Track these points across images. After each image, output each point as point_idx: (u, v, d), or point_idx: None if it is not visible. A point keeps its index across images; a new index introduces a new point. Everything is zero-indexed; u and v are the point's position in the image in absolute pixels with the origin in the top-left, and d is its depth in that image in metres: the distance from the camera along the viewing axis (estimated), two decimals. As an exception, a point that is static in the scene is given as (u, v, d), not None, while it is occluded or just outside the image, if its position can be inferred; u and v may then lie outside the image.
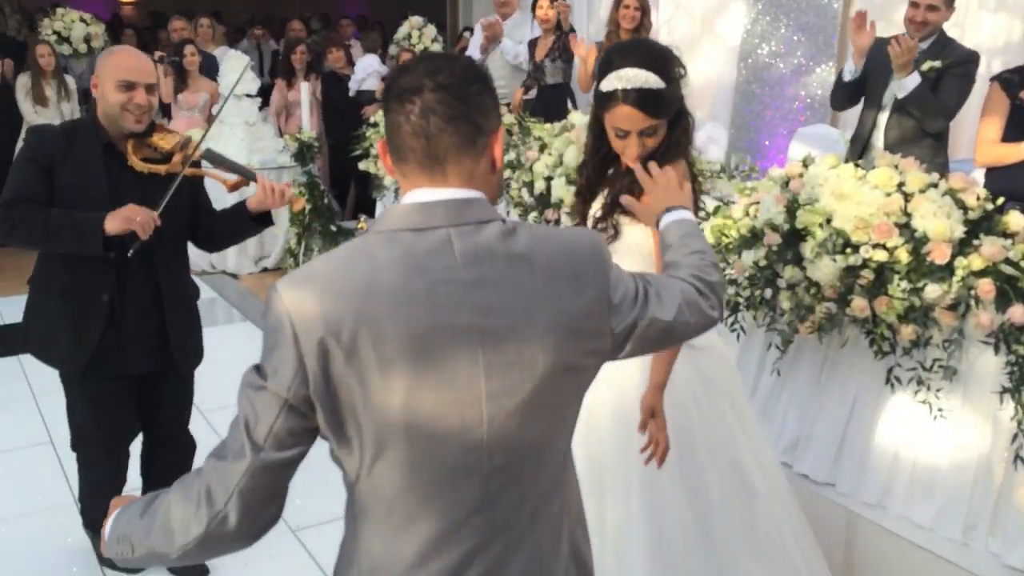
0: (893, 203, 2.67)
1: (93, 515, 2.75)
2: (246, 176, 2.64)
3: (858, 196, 2.72)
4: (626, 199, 1.74)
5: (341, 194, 7.11)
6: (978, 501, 2.59)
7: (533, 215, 4.16)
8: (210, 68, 6.66)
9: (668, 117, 1.96)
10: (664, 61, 1.93)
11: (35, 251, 2.56)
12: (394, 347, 1.09)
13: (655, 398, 2.00)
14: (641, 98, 1.89)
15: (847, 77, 3.78)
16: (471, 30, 7.64)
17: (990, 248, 2.51)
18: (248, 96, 6.18)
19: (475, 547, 1.16)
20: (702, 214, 3.44)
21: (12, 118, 6.59)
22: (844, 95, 3.87)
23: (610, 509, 2.10)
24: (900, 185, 2.72)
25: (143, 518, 1.18)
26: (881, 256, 2.64)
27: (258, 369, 1.14)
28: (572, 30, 5.69)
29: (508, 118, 4.93)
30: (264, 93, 6.87)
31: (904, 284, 2.60)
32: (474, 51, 6.36)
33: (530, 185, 4.15)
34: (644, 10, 5.19)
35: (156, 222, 2.36)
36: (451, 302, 1.11)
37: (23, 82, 6.72)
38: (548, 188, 3.97)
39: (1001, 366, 2.52)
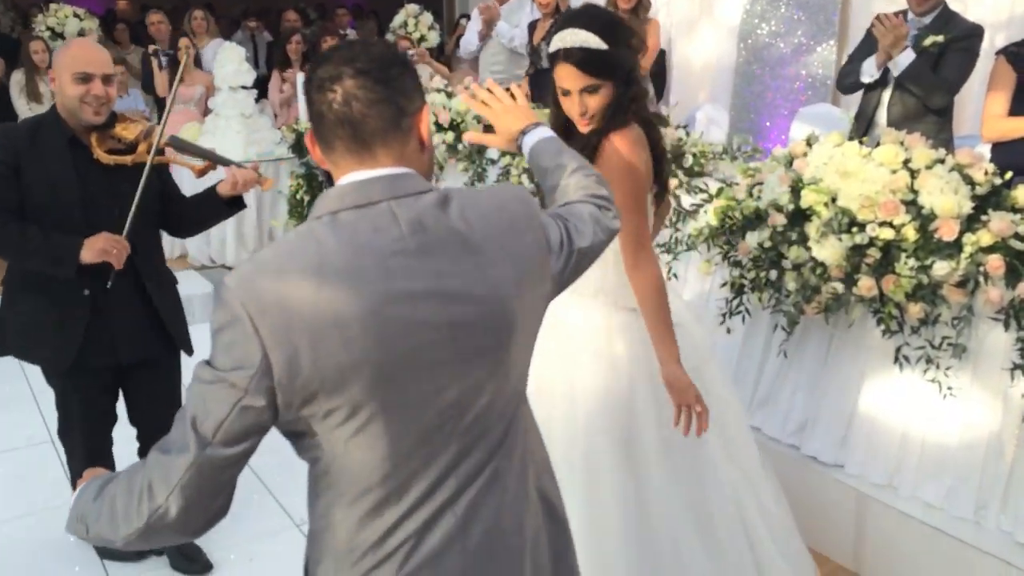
0: (899, 180, 2.63)
1: None
2: (214, 160, 2.64)
3: (863, 174, 2.68)
4: (470, 135, 1.86)
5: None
6: (989, 479, 2.56)
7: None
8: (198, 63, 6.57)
9: (610, 79, 2.00)
10: (609, 25, 2.00)
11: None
12: (357, 324, 1.10)
13: (667, 374, 2.03)
14: (580, 56, 1.97)
15: (865, 79, 3.66)
16: (468, 17, 7.59)
17: (999, 223, 2.47)
18: (244, 88, 6.12)
19: (445, 502, 1.19)
20: (703, 196, 3.44)
21: (7, 116, 6.54)
22: (854, 85, 3.78)
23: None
24: (906, 162, 2.69)
25: (95, 502, 1.19)
26: (888, 234, 2.60)
27: (211, 364, 1.12)
28: None
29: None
30: (260, 85, 6.81)
31: (912, 262, 2.56)
32: (472, 37, 6.31)
33: (530, 171, 4.10)
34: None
35: (127, 251, 2.39)
36: (405, 271, 1.13)
37: (17, 79, 6.68)
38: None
39: (1011, 342, 2.48)
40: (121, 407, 2.75)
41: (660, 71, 5.87)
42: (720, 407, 2.25)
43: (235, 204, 2.62)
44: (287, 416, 1.13)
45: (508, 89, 1.83)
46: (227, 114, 6.12)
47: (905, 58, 3.43)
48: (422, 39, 7.65)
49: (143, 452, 2.76)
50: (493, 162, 4.74)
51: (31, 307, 2.51)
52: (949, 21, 3.52)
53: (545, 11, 5.55)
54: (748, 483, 2.28)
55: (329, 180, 1.25)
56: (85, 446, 2.68)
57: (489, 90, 1.79)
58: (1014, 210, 2.55)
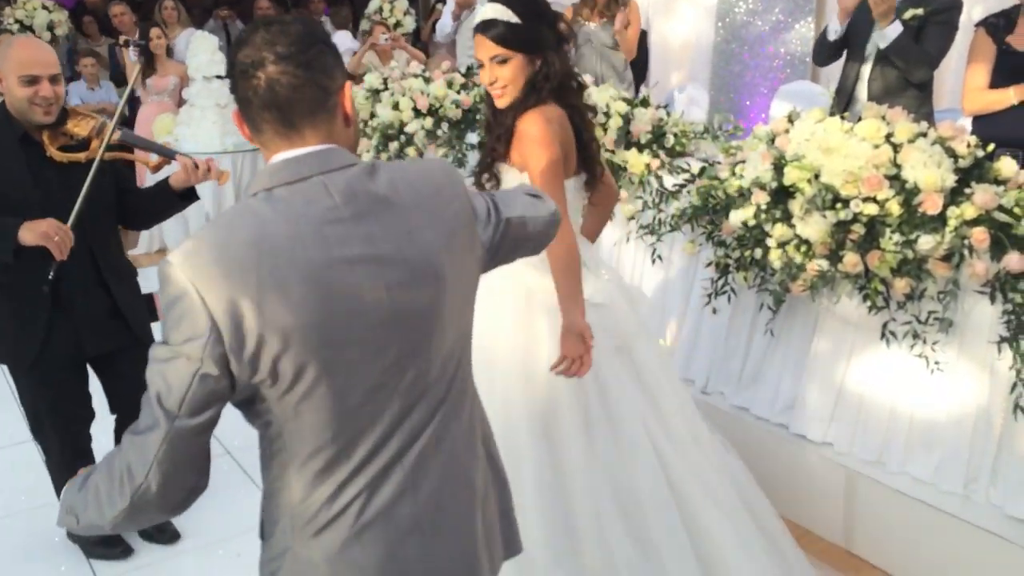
0: (882, 155, 2.61)
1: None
2: (166, 155, 2.66)
3: (846, 149, 2.66)
4: None
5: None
6: (978, 453, 2.56)
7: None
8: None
9: (519, 51, 2.09)
10: (526, 2, 2.11)
11: None
12: (299, 290, 1.15)
13: (568, 322, 2.08)
14: (491, 28, 2.09)
15: (831, 37, 3.71)
16: (443, 1, 7.51)
17: (983, 196, 2.46)
18: (218, 77, 6.02)
19: (393, 458, 1.25)
20: (686, 176, 3.42)
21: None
22: (828, 52, 3.80)
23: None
24: (888, 136, 2.67)
25: (80, 492, 1.26)
26: (872, 209, 2.59)
27: (165, 342, 1.17)
28: None
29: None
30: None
31: (896, 237, 2.55)
32: (447, 20, 6.24)
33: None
34: (617, -29, 5.09)
35: (71, 242, 2.36)
36: (341, 238, 1.19)
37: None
38: (529, 157, 3.90)
39: (998, 316, 2.48)
40: (100, 402, 2.72)
41: (640, 52, 5.83)
42: (654, 387, 2.32)
43: (188, 196, 2.64)
44: (242, 383, 1.17)
45: None
46: (202, 104, 6.03)
47: (893, 30, 3.41)
48: (398, 24, 7.55)
49: (118, 432, 2.74)
50: (473, 147, 4.70)
51: None
52: (928, -6, 3.50)
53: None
54: (689, 465, 2.27)
55: None
56: (61, 443, 2.66)
57: None
58: (997, 182, 2.54)
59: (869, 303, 2.67)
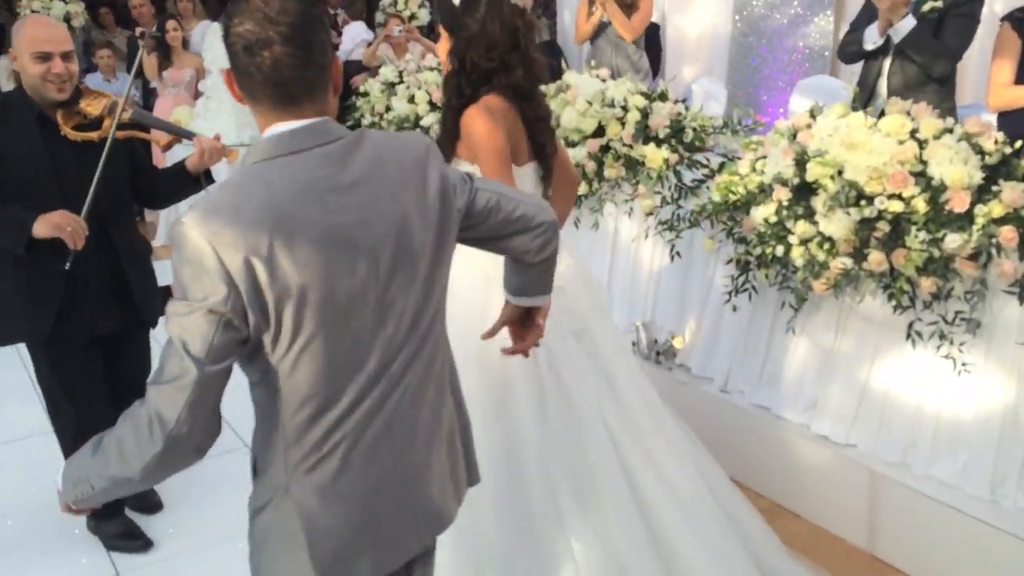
0: (907, 151, 2.57)
1: None
2: (179, 134, 2.70)
3: (870, 145, 2.62)
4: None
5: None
6: (1005, 456, 2.52)
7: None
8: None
9: (447, 31, 2.22)
10: None
11: None
12: (305, 250, 1.26)
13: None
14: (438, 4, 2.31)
15: (868, 46, 3.56)
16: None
17: (1011, 193, 2.41)
18: (233, 70, 6.01)
19: (375, 404, 1.38)
20: (705, 171, 3.38)
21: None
22: (856, 54, 3.70)
23: None
24: (913, 132, 2.62)
25: (96, 456, 1.33)
26: (897, 207, 2.54)
27: (184, 300, 1.25)
28: None
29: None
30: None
31: (922, 235, 2.51)
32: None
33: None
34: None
35: (85, 232, 2.40)
36: (339, 205, 1.30)
37: (3, 64, 6.57)
38: (546, 151, 3.86)
39: (1026, 316, 2.43)
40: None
41: (654, 45, 5.78)
42: (610, 373, 2.34)
43: (204, 178, 2.67)
44: (253, 335, 1.28)
45: None
46: (218, 96, 6.02)
47: (906, 25, 3.35)
48: (412, 17, 7.53)
49: (112, 408, 2.76)
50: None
51: (9, 284, 2.55)
52: (947, -15, 3.43)
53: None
54: (644, 450, 2.29)
55: None
56: (78, 417, 2.68)
57: None
58: (1026, 180, 2.49)
59: (894, 303, 2.62)
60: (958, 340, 2.54)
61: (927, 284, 2.54)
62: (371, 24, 7.51)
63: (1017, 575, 2.38)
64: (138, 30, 6.65)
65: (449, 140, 2.23)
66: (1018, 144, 2.55)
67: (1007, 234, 2.39)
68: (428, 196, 1.40)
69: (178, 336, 1.25)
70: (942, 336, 2.56)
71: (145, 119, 2.64)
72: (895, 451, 2.72)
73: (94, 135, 2.49)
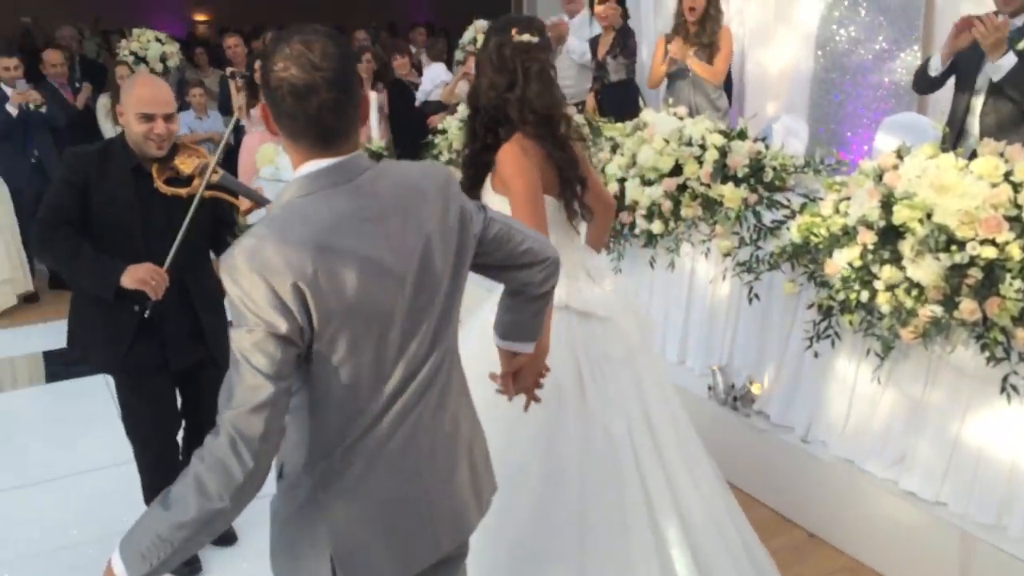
0: (1001, 194, 2.46)
1: None
2: (259, 201, 2.84)
3: (961, 188, 2.52)
4: None
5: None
6: (1110, 520, 2.35)
7: (606, 218, 4.01)
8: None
9: (478, 75, 2.34)
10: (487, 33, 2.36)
11: None
12: (343, 276, 1.37)
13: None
14: None
15: (932, 73, 3.62)
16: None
17: (1116, 241, 2.28)
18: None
19: (399, 414, 1.47)
20: (785, 212, 3.29)
21: (94, 138, 6.75)
22: (927, 84, 3.69)
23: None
24: (1007, 175, 2.51)
25: (171, 508, 1.33)
26: (990, 253, 2.43)
27: (244, 327, 1.35)
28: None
29: (578, 118, 4.79)
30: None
31: (1017, 283, 2.39)
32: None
33: (602, 187, 4.00)
34: (710, -1, 5.02)
35: (166, 283, 2.60)
36: (371, 234, 1.41)
37: (103, 103, 6.88)
38: (622, 190, 3.83)
39: None
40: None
41: (726, 80, 5.71)
42: (649, 407, 2.38)
43: None
44: (304, 351, 1.39)
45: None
46: (300, 134, 6.18)
47: (1007, 61, 3.23)
48: (491, 55, 7.60)
49: (186, 443, 2.98)
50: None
51: (90, 315, 2.76)
52: (1042, 23, 3.31)
53: (605, 24, 5.48)
54: (672, 487, 2.32)
55: None
56: (151, 441, 2.88)
57: None
58: None
59: (987, 354, 2.50)
60: (1058, 395, 2.40)
61: (1023, 335, 2.41)
62: (450, 66, 7.63)
63: None
64: (228, 70, 6.90)
65: (470, 183, 2.32)
66: (1124, 188, 2.41)
67: (1112, 284, 2.26)
68: (449, 222, 1.51)
69: (245, 359, 1.34)
70: (1040, 390, 2.42)
71: (231, 184, 2.78)
72: (989, 511, 2.57)
73: (183, 191, 2.66)
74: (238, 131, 6.96)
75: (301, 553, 1.48)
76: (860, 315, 2.82)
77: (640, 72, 5.90)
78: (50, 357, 5.08)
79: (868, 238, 2.68)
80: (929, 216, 2.55)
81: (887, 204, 2.66)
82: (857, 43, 5.55)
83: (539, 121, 2.26)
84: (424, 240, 1.47)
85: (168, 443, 2.91)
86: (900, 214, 2.59)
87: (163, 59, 7.97)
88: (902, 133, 4.17)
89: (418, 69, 7.39)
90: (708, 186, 3.51)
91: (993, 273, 2.45)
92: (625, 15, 5.52)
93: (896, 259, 2.63)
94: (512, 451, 2.19)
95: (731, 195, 3.42)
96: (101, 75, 7.41)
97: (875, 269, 2.68)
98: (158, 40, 8.00)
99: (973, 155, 2.65)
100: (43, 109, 5.93)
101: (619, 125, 4.12)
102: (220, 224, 2.86)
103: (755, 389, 3.34)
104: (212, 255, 2.94)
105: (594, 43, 5.65)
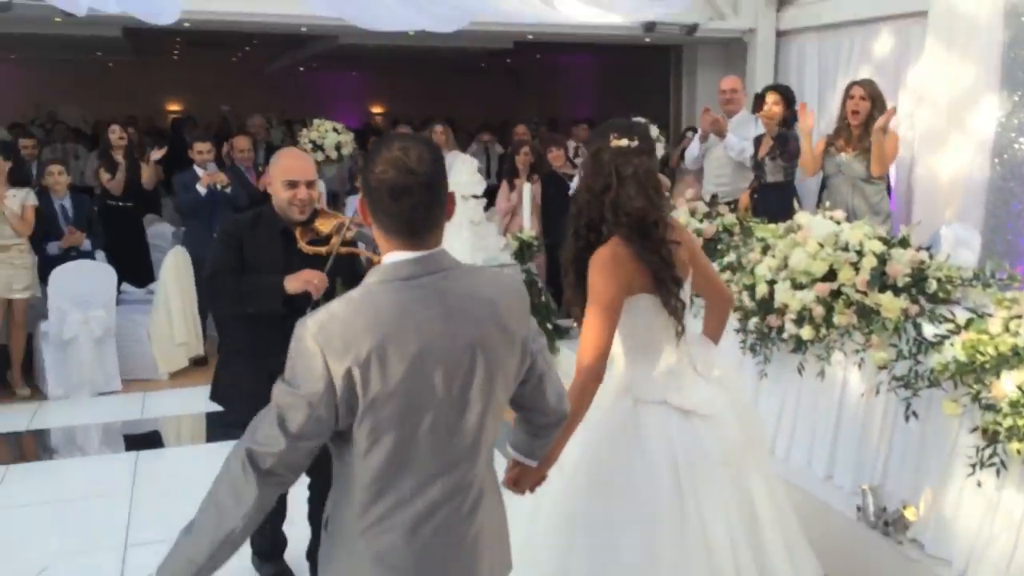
0: None
1: (259, 541, 3.30)
2: None
3: None
4: None
5: (557, 292, 7.15)
6: None
7: (754, 320, 3.90)
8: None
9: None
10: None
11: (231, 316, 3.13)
12: (396, 368, 1.51)
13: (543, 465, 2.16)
14: None
15: None
16: (693, 130, 7.57)
17: None
18: (475, 197, 6.42)
19: (432, 498, 1.59)
20: (949, 326, 3.08)
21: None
22: None
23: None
24: None
25: (192, 533, 1.54)
26: None
27: (289, 384, 1.52)
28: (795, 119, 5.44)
29: (729, 218, 4.74)
30: (490, 194, 7.12)
31: None
32: (695, 146, 6.28)
33: (751, 288, 3.91)
34: (874, 100, 4.89)
35: (326, 283, 2.85)
36: (433, 331, 1.55)
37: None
38: (771, 292, 3.72)
39: None
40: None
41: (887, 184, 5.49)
42: (755, 511, 2.37)
43: None
44: (342, 424, 1.53)
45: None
46: (458, 220, 6.41)
47: None
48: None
49: (314, 499, 3.14)
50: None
51: (235, 366, 3.04)
52: None
53: (769, 125, 5.42)
54: None
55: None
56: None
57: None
58: None
59: None
60: None
61: None
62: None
63: None
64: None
65: (576, 279, 2.40)
66: None
67: None
68: (506, 333, 1.64)
69: (278, 411, 1.51)
70: None
71: (366, 239, 3.00)
72: None
73: (323, 249, 2.94)
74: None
75: None
76: (1031, 444, 2.58)
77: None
78: (212, 418, 5.39)
79: (1042, 361, 2.48)
80: (1114, 341, 2.33)
81: (1065, 325, 2.45)
82: (1039, 150, 5.23)
83: (632, 224, 2.32)
84: (481, 345, 1.59)
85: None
86: (1080, 337, 2.38)
87: (338, 147, 8.57)
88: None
89: (572, 162, 7.55)
90: (864, 294, 3.36)
91: None
92: (792, 116, 5.43)
93: (1074, 386, 2.41)
94: (613, 564, 2.24)
95: (889, 304, 3.26)
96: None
97: (1049, 395, 2.46)
98: (335, 130, 8.62)
99: None
100: (228, 189, 6.47)
101: (771, 226, 4.03)
102: (355, 277, 3.01)
103: (909, 514, 3.09)
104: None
105: (757, 141, 5.60)
